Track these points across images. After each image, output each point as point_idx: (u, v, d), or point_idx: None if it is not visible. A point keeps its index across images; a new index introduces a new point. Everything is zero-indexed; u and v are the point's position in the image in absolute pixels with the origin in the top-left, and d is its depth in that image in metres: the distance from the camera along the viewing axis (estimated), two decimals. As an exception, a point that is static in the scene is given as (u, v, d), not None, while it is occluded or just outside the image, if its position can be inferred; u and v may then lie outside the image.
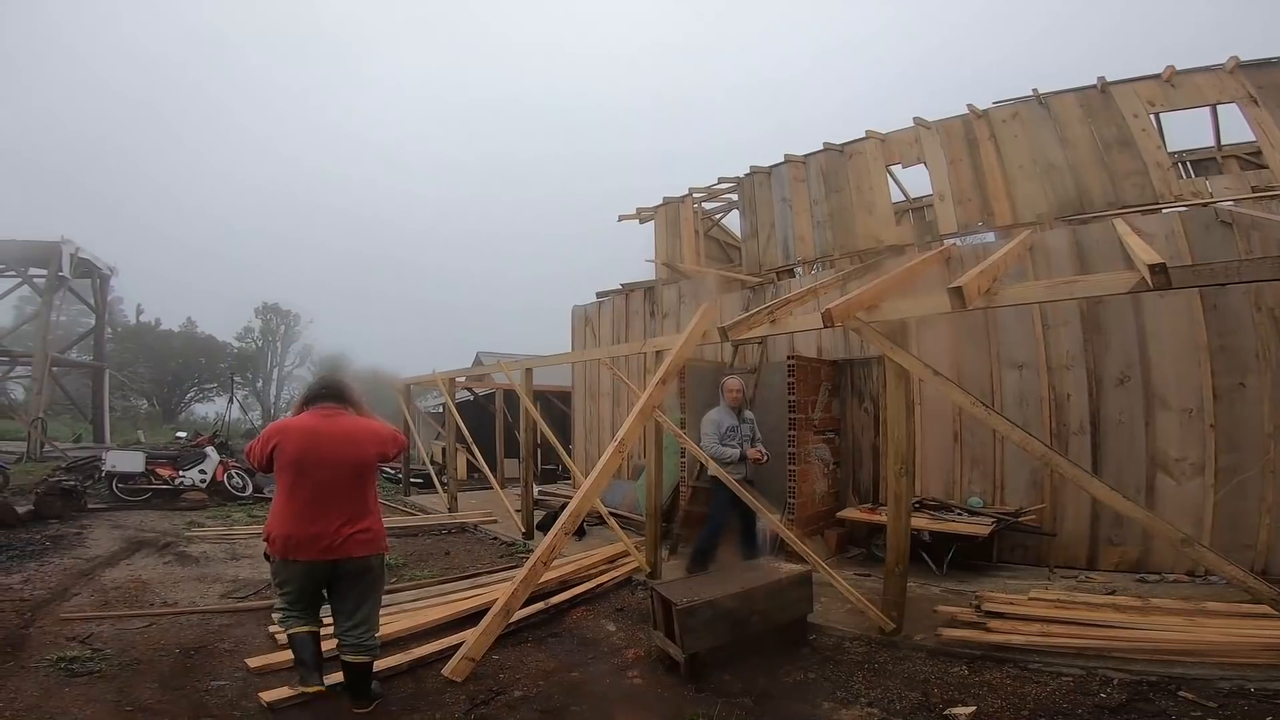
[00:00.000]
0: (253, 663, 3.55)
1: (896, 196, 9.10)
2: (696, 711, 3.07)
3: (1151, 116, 6.65)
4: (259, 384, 38.67)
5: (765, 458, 5.20)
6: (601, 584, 5.15)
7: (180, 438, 12.52)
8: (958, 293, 3.45)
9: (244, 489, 10.32)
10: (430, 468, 11.83)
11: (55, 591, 4.92)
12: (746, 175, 9.51)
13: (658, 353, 5.85)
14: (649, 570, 5.36)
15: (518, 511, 7.62)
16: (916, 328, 5.97)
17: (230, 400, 19.59)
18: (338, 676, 3.19)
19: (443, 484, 10.54)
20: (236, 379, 27.74)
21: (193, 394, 34.23)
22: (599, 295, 10.51)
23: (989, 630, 3.72)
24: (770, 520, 4.77)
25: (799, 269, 8.79)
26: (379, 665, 3.34)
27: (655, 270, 10.17)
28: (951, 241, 7.25)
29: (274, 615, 3.75)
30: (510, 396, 10.91)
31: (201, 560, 6.14)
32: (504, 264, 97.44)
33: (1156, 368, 5.29)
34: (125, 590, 5.04)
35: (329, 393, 3.31)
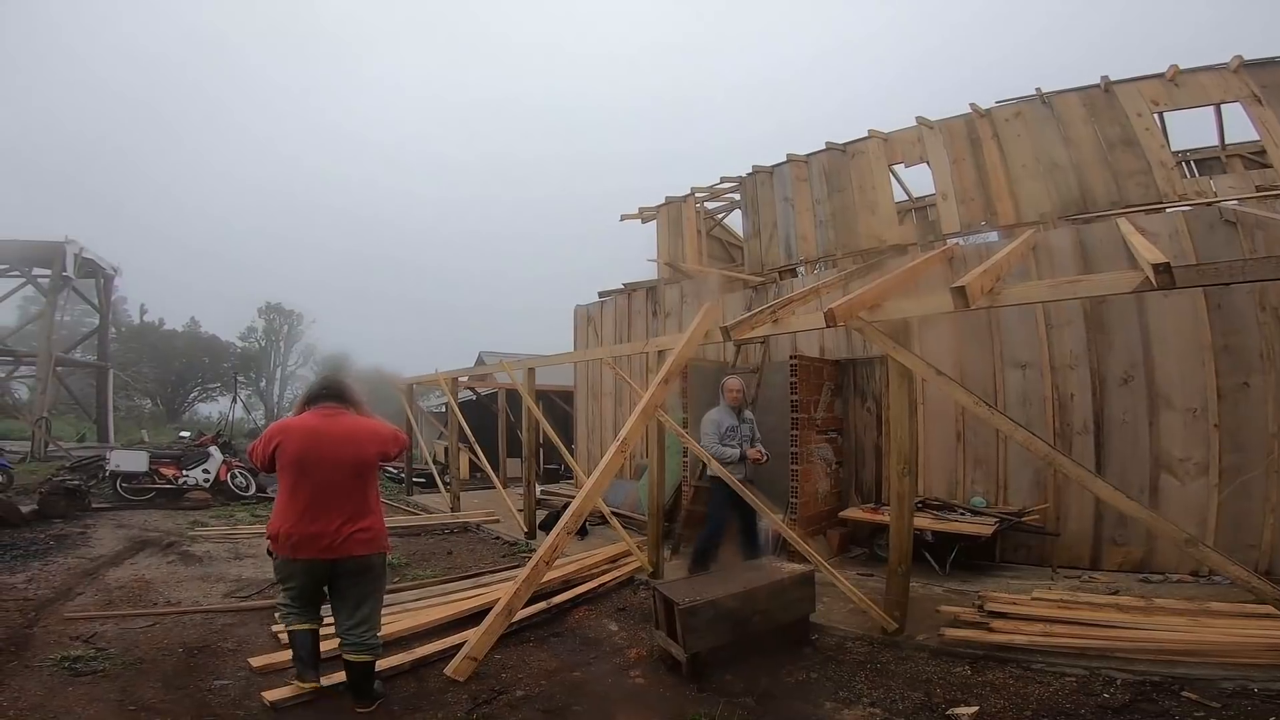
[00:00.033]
0: (256, 662, 3.56)
1: (899, 196, 9.09)
2: (699, 711, 3.07)
3: (1155, 116, 6.62)
4: (262, 383, 38.84)
5: (765, 458, 5.19)
6: (604, 583, 5.15)
7: (184, 437, 12.55)
8: (961, 292, 3.44)
9: (247, 488, 10.33)
10: (433, 467, 11.84)
11: (59, 591, 4.94)
12: (749, 175, 9.50)
13: (660, 352, 5.84)
14: (651, 570, 5.36)
15: (520, 511, 7.63)
16: (919, 327, 5.95)
17: (234, 400, 19.54)
18: (341, 676, 3.20)
19: (445, 483, 10.55)
20: (240, 379, 27.81)
21: (196, 394, 34.36)
22: (601, 295, 10.52)
23: (992, 630, 3.71)
24: (773, 520, 4.77)
25: (801, 268, 8.78)
26: (381, 664, 3.34)
27: (658, 270, 10.16)
28: (954, 241, 7.24)
29: (276, 614, 3.77)
30: (513, 396, 10.91)
31: (205, 560, 6.15)
32: (504, 264, 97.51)
33: (1160, 367, 5.28)
34: (129, 590, 5.05)
35: (330, 393, 3.33)
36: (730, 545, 5.14)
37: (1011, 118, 7.30)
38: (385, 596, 3.64)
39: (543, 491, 9.28)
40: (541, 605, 4.49)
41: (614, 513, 6.45)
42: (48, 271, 18.32)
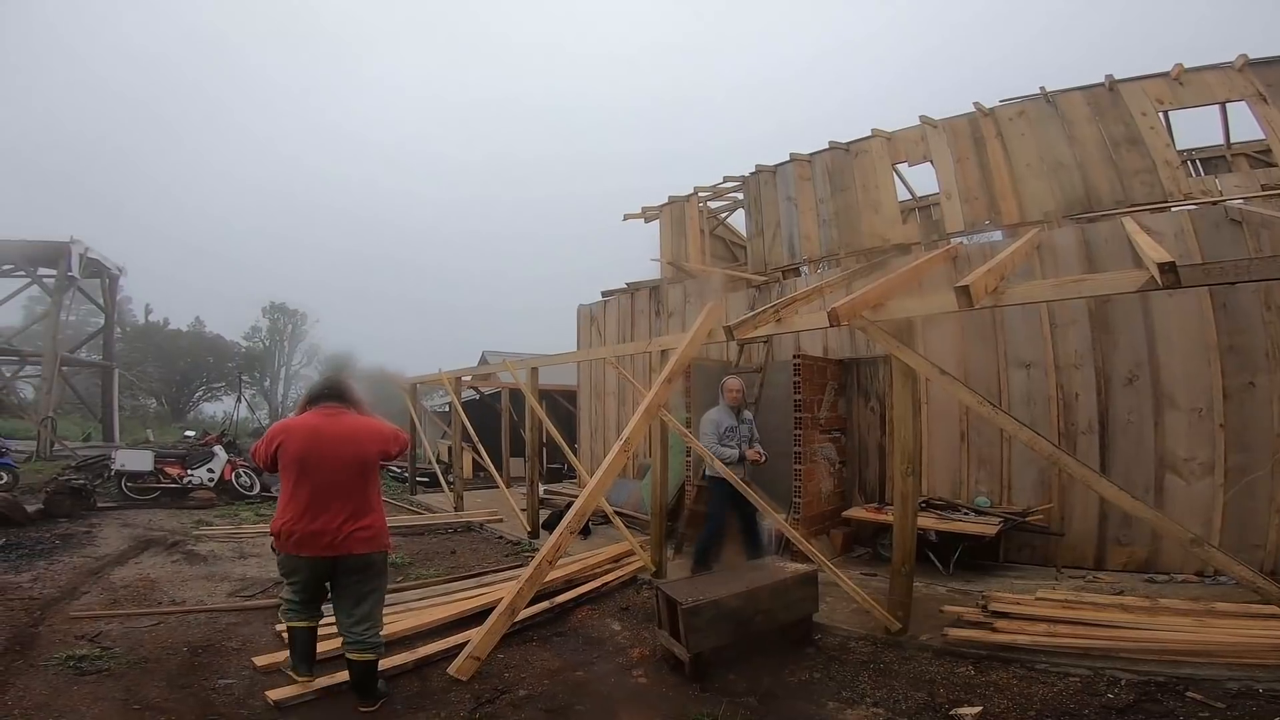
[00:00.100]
0: (260, 661, 3.57)
1: (903, 195, 9.07)
2: (701, 711, 3.07)
3: (1160, 114, 6.59)
4: (267, 383, 38.93)
5: (763, 458, 5.19)
6: (606, 583, 5.15)
7: (188, 437, 12.61)
8: (964, 291, 3.43)
9: (252, 488, 10.37)
10: (436, 467, 11.86)
11: (64, 590, 4.96)
12: (752, 174, 9.48)
13: (663, 352, 5.84)
14: (654, 569, 5.36)
15: (523, 510, 7.63)
16: (923, 327, 5.94)
17: (238, 399, 19.64)
18: (344, 675, 3.21)
19: (449, 483, 10.56)
20: (244, 378, 27.90)
21: (201, 393, 34.45)
22: (605, 294, 10.52)
23: (995, 630, 3.71)
24: (775, 519, 4.76)
25: (805, 268, 8.76)
26: (384, 664, 3.35)
27: (660, 269, 10.16)
28: (958, 240, 7.22)
29: (279, 611, 3.78)
30: (516, 396, 10.92)
31: (209, 559, 6.18)
32: (504, 264, 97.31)
33: (1165, 367, 5.26)
34: (134, 589, 5.07)
35: (331, 392, 3.36)
36: (732, 545, 5.14)
37: (1015, 117, 7.27)
38: (388, 596, 3.65)
39: (546, 491, 9.29)
40: (544, 605, 4.49)
41: (617, 512, 6.45)
42: (53, 271, 18.40)
